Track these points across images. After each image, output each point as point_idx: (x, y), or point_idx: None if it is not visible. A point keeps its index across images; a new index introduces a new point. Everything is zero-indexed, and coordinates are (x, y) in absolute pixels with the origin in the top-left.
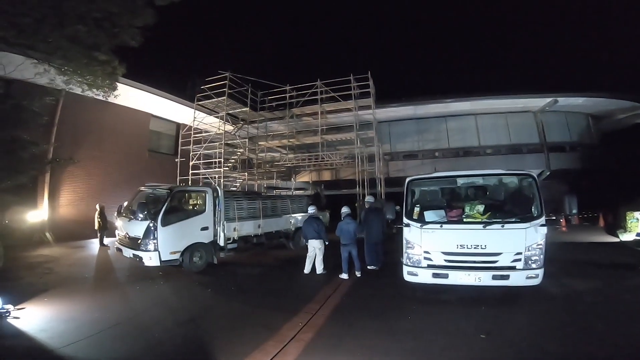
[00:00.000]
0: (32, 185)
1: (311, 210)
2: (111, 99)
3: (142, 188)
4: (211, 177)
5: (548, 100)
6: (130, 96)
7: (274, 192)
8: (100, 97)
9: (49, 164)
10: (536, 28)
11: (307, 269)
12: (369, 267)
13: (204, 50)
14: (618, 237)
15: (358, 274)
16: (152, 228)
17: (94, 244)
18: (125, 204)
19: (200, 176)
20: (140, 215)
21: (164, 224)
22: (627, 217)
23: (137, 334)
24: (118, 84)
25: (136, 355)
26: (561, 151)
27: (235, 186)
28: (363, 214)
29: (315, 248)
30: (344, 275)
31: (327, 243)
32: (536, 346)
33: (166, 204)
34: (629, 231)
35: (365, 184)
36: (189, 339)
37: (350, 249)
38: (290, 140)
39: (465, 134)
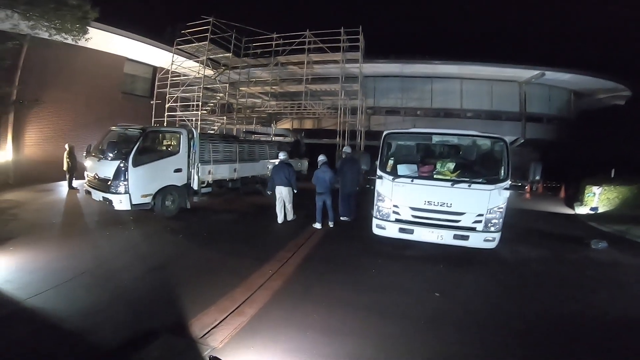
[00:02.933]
0: None
1: (282, 156)
2: (83, 43)
3: (114, 128)
4: (188, 120)
5: (536, 72)
6: (103, 40)
7: (253, 137)
8: (70, 42)
9: (12, 104)
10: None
11: (279, 219)
12: (341, 218)
13: None
14: (574, 209)
15: (331, 224)
16: (123, 168)
17: (63, 187)
18: (95, 143)
19: (177, 118)
20: (110, 155)
21: (135, 165)
22: (585, 191)
23: (105, 282)
24: (90, 28)
25: (103, 304)
26: (538, 122)
27: (214, 129)
28: (339, 164)
29: (282, 196)
30: (317, 225)
31: (296, 191)
32: (483, 307)
33: (138, 143)
34: (585, 204)
35: (346, 135)
36: (157, 286)
37: (325, 198)
38: (274, 87)
39: (449, 96)
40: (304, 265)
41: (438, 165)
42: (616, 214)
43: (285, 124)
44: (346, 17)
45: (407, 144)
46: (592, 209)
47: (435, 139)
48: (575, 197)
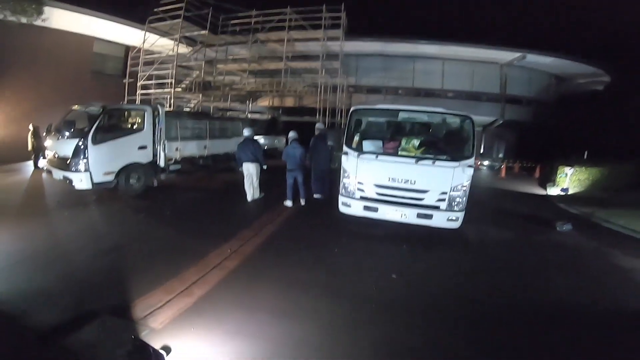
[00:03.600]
0: None
1: (246, 132)
2: (47, 24)
3: (75, 107)
4: (162, 98)
5: (517, 55)
6: (69, 20)
7: (228, 114)
8: (25, 22)
9: None
10: None
11: (249, 197)
12: (314, 196)
13: None
14: (546, 189)
15: (302, 202)
16: (82, 147)
17: (28, 167)
18: (56, 122)
19: (152, 97)
20: (67, 133)
21: (95, 142)
22: (558, 172)
23: (53, 264)
24: (53, 8)
25: (47, 286)
26: (518, 104)
27: (190, 107)
28: (312, 141)
29: (250, 173)
30: (288, 203)
31: (264, 167)
32: (437, 290)
33: (98, 121)
34: (557, 185)
35: (327, 113)
36: (108, 267)
37: (295, 175)
38: (252, 64)
39: (430, 76)
40: (266, 244)
41: (403, 142)
42: (585, 196)
43: (266, 102)
44: None
45: (376, 120)
46: (562, 189)
47: (402, 115)
48: (548, 178)
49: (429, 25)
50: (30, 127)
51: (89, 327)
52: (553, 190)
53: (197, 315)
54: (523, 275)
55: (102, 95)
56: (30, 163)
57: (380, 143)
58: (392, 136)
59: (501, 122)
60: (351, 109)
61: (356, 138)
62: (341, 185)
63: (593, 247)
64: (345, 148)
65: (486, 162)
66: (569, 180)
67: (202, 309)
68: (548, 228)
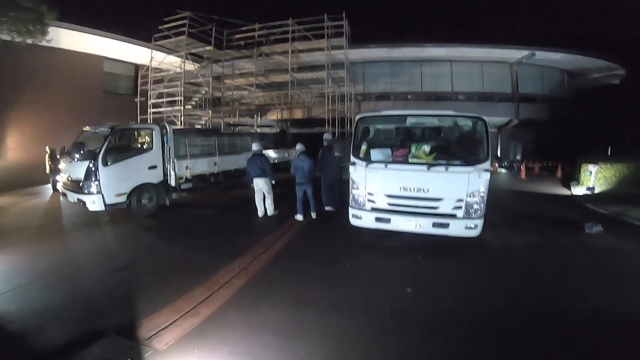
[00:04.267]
0: None
1: (255, 147)
2: (56, 44)
3: (86, 128)
4: (173, 116)
5: (526, 52)
6: (78, 40)
7: (237, 129)
8: (30, 42)
9: None
10: None
11: (260, 212)
12: (326, 208)
13: None
14: (570, 189)
15: (313, 215)
16: (93, 168)
17: (47, 190)
18: (69, 145)
19: (164, 115)
20: (77, 156)
21: (105, 164)
22: (581, 170)
23: (65, 283)
24: (59, 28)
25: (57, 305)
26: (532, 102)
27: (201, 124)
28: (320, 152)
29: (260, 188)
30: (299, 217)
31: (274, 182)
32: (455, 304)
33: (106, 142)
34: (581, 184)
35: (336, 122)
36: (117, 286)
37: (305, 188)
38: (259, 78)
39: (439, 79)
40: (275, 261)
41: (413, 148)
42: (614, 194)
43: (275, 115)
44: (331, 3)
45: (384, 127)
46: (588, 188)
47: (410, 120)
48: (572, 177)
49: (433, 27)
50: (47, 149)
51: (95, 347)
52: (578, 190)
53: (202, 337)
54: (551, 284)
55: (115, 115)
56: (49, 186)
57: (389, 151)
58: (401, 143)
59: (516, 121)
60: (357, 117)
61: (363, 147)
62: (350, 196)
63: (628, 249)
64: (352, 158)
65: (504, 164)
66: (594, 178)
67: (207, 329)
68: (576, 230)
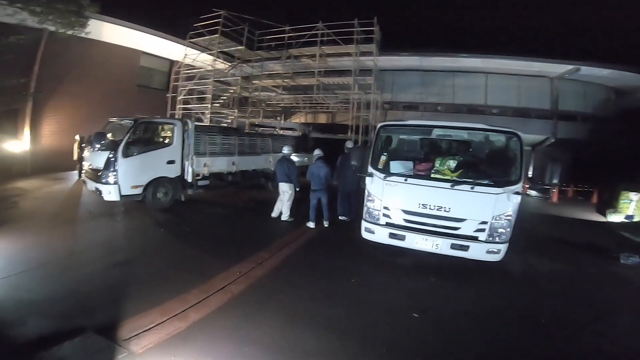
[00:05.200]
0: (13, 116)
1: (285, 150)
2: (96, 37)
3: (112, 119)
4: (201, 113)
5: (569, 67)
6: (116, 33)
7: (259, 130)
8: (70, 34)
9: (30, 96)
10: None
11: (274, 213)
12: (340, 218)
13: None
14: (606, 216)
15: (326, 224)
16: (112, 159)
17: (73, 176)
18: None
19: (192, 111)
20: (97, 145)
21: (125, 155)
22: (620, 197)
23: (61, 275)
24: (101, 22)
25: (46, 297)
26: (571, 120)
27: (227, 123)
28: (339, 160)
29: (284, 192)
30: (311, 224)
31: (297, 189)
32: (465, 334)
33: (128, 134)
34: (619, 212)
35: (360, 130)
36: (112, 281)
37: (319, 196)
38: (286, 80)
39: (473, 91)
40: (277, 269)
41: (437, 163)
42: None
43: (299, 118)
44: (364, 8)
45: (405, 138)
46: (627, 217)
47: (436, 132)
48: (609, 204)
49: (469, 37)
50: (77, 137)
51: (69, 343)
52: (614, 217)
53: (184, 342)
54: (579, 318)
55: (146, 109)
56: (75, 173)
57: (410, 164)
58: (424, 156)
59: (553, 140)
60: (378, 125)
61: (383, 158)
62: (364, 209)
63: None
64: (370, 169)
65: (536, 186)
66: (635, 206)
67: (192, 335)
68: (609, 260)
